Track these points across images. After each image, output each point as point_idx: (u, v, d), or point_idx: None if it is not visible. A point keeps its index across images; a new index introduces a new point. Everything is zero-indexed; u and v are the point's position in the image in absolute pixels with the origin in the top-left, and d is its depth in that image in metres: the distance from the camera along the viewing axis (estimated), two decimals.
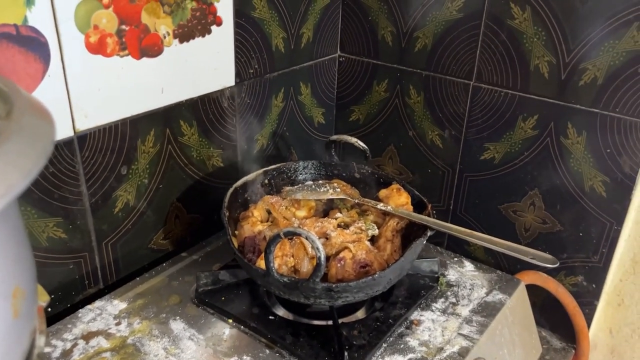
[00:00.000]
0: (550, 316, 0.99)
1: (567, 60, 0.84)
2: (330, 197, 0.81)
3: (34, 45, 0.63)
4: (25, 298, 0.35)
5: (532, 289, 0.94)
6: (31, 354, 0.38)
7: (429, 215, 0.77)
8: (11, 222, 0.33)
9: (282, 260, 0.69)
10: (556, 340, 0.99)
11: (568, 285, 0.95)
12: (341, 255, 0.70)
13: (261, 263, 0.68)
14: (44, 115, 0.34)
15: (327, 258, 0.69)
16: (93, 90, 0.71)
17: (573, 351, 0.97)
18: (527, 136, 0.92)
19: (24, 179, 0.28)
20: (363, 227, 0.75)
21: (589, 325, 0.96)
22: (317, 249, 0.61)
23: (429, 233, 0.72)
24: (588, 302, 0.95)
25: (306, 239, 0.62)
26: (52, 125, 0.34)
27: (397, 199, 0.78)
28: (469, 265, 0.87)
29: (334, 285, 0.64)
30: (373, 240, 0.76)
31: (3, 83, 0.37)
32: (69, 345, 0.69)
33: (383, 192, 0.80)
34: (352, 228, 0.75)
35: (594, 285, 0.93)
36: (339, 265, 0.69)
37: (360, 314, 0.76)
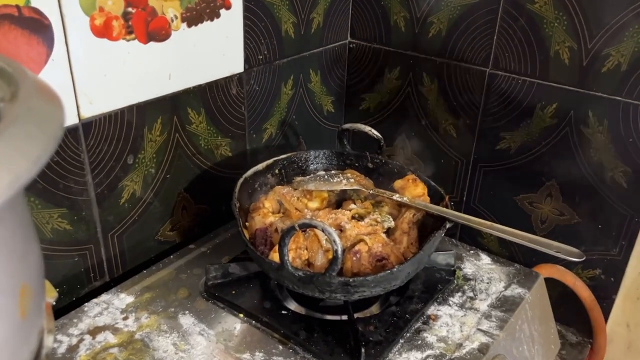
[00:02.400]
0: (566, 310, 0.96)
1: (589, 46, 0.81)
2: (344, 187, 0.78)
3: (37, 27, 0.60)
4: (33, 296, 0.33)
5: (547, 282, 0.91)
6: (39, 354, 0.36)
7: (446, 207, 0.74)
8: (18, 214, 0.30)
9: (296, 253, 0.67)
10: (571, 334, 0.97)
11: (585, 278, 0.93)
12: (357, 248, 0.67)
13: (274, 256, 0.65)
14: (53, 97, 0.31)
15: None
16: (98, 75, 0.68)
17: (589, 346, 0.95)
18: (545, 125, 0.89)
19: (32, 166, 0.25)
20: (378, 219, 0.72)
21: (605, 320, 0.94)
22: (334, 241, 0.58)
23: (448, 225, 0.70)
24: (606, 296, 0.92)
25: (322, 231, 0.59)
26: (62, 108, 0.31)
27: (413, 190, 0.75)
28: (485, 258, 0.84)
29: (351, 280, 0.61)
30: (388, 232, 0.73)
31: (7, 64, 0.34)
32: (75, 340, 0.66)
33: (398, 183, 0.77)
34: (367, 220, 0.72)
35: (612, 279, 0.91)
36: (354, 258, 0.67)
37: (375, 308, 0.74)
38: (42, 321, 0.36)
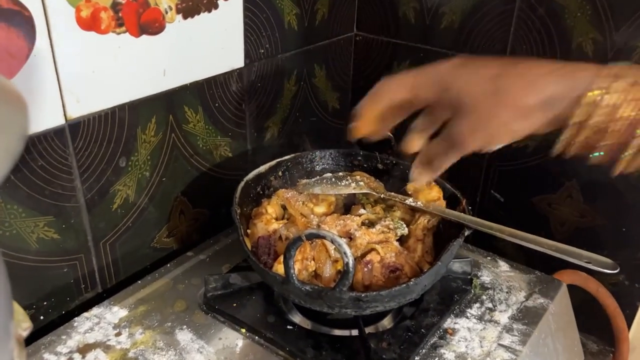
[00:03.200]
0: (587, 318, 0.91)
1: (614, 37, 0.75)
2: (353, 192, 0.73)
3: (16, 20, 0.55)
4: None
5: (567, 289, 0.86)
6: None
7: (463, 211, 0.69)
8: None
9: (302, 264, 0.61)
10: (592, 343, 0.92)
11: (608, 284, 0.88)
12: (368, 258, 0.62)
13: (279, 268, 0.60)
14: (14, 100, 0.26)
15: None
16: (86, 71, 0.63)
17: (611, 355, 0.90)
18: None
19: None
20: (391, 226, 0.67)
21: (629, 327, 0.89)
22: (345, 253, 0.53)
23: (466, 232, 0.64)
24: (629, 303, 0.87)
25: (332, 242, 0.54)
26: (24, 113, 0.26)
27: (428, 194, 0.70)
28: (503, 265, 0.79)
29: (363, 295, 0.56)
30: (401, 239, 0.68)
31: None
32: (63, 359, 0.61)
33: (412, 186, 0.72)
34: (378, 227, 0.67)
35: (636, 285, 0.86)
36: (365, 269, 0.61)
37: (387, 322, 0.68)
38: (9, 356, 0.31)
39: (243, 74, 0.82)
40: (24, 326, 0.36)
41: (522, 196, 0.91)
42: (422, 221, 0.68)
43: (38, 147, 0.60)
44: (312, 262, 0.62)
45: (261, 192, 0.76)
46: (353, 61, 1.03)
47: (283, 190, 0.74)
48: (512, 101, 0.48)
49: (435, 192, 0.70)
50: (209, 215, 0.85)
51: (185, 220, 0.82)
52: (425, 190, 0.70)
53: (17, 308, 0.37)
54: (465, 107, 0.50)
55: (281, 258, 0.57)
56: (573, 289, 0.89)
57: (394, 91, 0.53)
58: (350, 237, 0.65)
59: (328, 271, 0.62)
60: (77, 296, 0.71)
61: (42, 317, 0.68)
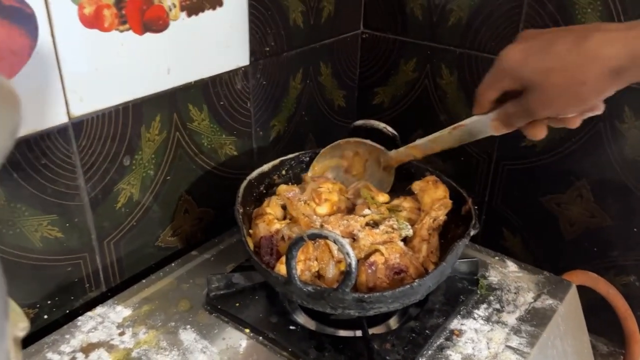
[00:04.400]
0: (597, 319, 0.89)
1: None
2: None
3: (18, 17, 0.54)
4: None
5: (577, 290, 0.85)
6: None
7: (469, 212, 0.68)
8: None
9: (305, 265, 0.61)
10: (602, 345, 0.90)
11: (618, 285, 0.86)
12: (372, 259, 0.61)
13: (281, 268, 0.59)
14: (5, 95, 0.25)
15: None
16: (89, 70, 0.62)
17: (621, 357, 0.88)
18: None
19: None
20: (395, 226, 0.66)
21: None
22: (348, 254, 0.52)
23: (472, 232, 0.63)
24: None
25: (334, 242, 0.53)
26: (16, 110, 0.25)
27: (434, 193, 0.69)
28: (511, 265, 0.78)
29: (366, 296, 0.55)
30: (406, 239, 0.67)
31: None
32: (66, 359, 0.61)
33: (417, 185, 0.71)
34: (382, 227, 0.66)
35: None
36: (369, 271, 0.60)
37: (392, 322, 0.68)
38: (1, 356, 0.30)
39: (248, 72, 0.81)
40: (21, 326, 0.35)
41: (531, 196, 0.90)
42: (428, 221, 0.67)
43: (41, 145, 0.60)
44: (315, 262, 0.61)
45: (264, 192, 0.75)
46: (360, 59, 1.02)
47: (284, 186, 0.73)
48: (583, 77, 0.51)
49: (441, 192, 0.69)
50: (213, 215, 0.85)
51: (189, 219, 0.82)
52: (431, 190, 0.69)
53: (14, 307, 0.37)
54: (537, 85, 0.53)
55: (284, 258, 0.56)
56: (583, 290, 0.88)
57: (507, 82, 0.56)
58: (353, 238, 0.64)
59: (331, 272, 0.61)
60: (81, 295, 0.71)
61: (45, 316, 0.67)
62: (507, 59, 0.55)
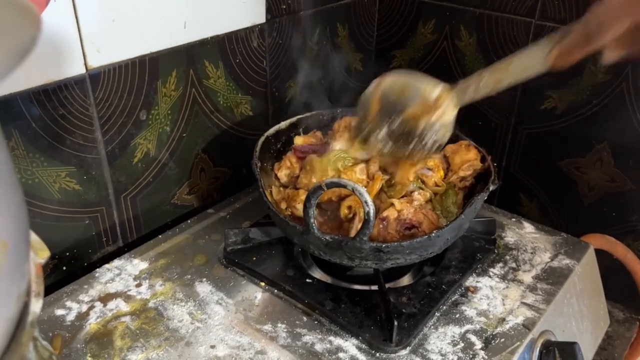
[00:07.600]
0: (613, 285, 0.89)
1: None
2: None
3: None
4: (9, 254, 0.27)
5: None
6: (23, 321, 0.31)
7: (488, 169, 0.67)
8: None
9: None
10: (618, 311, 0.89)
11: (636, 250, 0.85)
12: (384, 214, 0.61)
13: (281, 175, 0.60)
14: (23, 6, 0.25)
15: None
16: (107, 21, 0.62)
17: (638, 323, 0.88)
18: (597, 82, 0.80)
19: None
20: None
21: None
22: (366, 202, 0.52)
23: (491, 187, 0.62)
24: None
25: (353, 191, 0.53)
26: (36, 21, 0.25)
27: (465, 155, 0.68)
28: (528, 227, 0.77)
29: (383, 246, 0.55)
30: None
31: None
32: (85, 307, 0.62)
33: (450, 148, 0.70)
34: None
35: None
36: (381, 226, 0.60)
37: (407, 279, 0.68)
38: (24, 284, 0.31)
39: (264, 30, 0.80)
40: (42, 255, 0.36)
41: (550, 160, 0.89)
42: (455, 180, 0.66)
43: (59, 95, 0.60)
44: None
45: (281, 149, 0.75)
46: (377, 21, 1.00)
47: (300, 138, 0.72)
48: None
49: (473, 154, 0.68)
50: (229, 175, 0.85)
51: (205, 178, 0.82)
52: (463, 152, 0.69)
53: (34, 237, 0.37)
54: None
55: (281, 162, 0.56)
56: (600, 256, 0.87)
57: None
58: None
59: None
60: (98, 249, 0.72)
61: (64, 268, 0.68)
62: None
